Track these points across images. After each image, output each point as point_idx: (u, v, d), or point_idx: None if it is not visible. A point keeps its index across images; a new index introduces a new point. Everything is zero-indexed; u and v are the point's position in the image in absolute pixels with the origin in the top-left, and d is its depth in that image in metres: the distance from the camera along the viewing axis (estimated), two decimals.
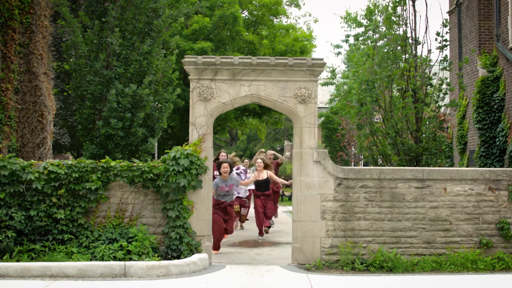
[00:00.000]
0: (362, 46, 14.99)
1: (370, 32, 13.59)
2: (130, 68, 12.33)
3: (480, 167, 13.27)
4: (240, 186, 11.52)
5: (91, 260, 8.06)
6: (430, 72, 11.81)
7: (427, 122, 11.70)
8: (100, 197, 8.53)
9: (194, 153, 8.53)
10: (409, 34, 11.85)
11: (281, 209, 17.29)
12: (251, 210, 13.54)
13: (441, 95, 11.69)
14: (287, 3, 26.38)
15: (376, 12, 14.10)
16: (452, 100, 13.15)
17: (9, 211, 8.21)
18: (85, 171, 8.44)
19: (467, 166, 14.44)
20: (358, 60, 13.38)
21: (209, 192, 8.85)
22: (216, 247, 9.86)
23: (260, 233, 11.84)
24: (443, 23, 11.83)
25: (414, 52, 11.83)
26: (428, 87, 11.79)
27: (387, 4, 12.25)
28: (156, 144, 19.29)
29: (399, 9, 12.04)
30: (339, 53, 22.81)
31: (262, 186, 11.93)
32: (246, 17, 23.36)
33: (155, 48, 12.79)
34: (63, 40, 15.33)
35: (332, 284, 7.62)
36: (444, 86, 11.82)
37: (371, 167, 9.55)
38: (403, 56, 11.85)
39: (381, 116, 12.11)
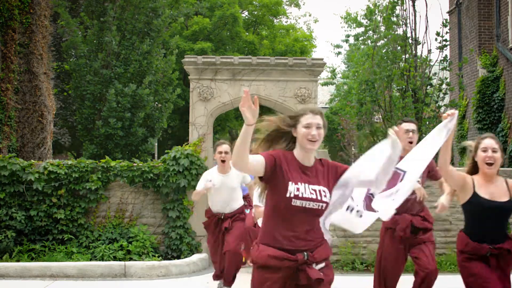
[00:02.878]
0: (362, 46, 14.99)
1: (370, 32, 13.59)
2: (130, 68, 12.34)
3: None
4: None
5: (91, 260, 8.05)
6: (430, 72, 11.80)
7: (427, 122, 11.69)
8: (100, 197, 8.53)
9: (194, 153, 8.53)
10: (409, 34, 11.84)
11: None
12: None
13: (441, 95, 11.68)
14: (287, 3, 26.36)
15: (376, 12, 14.10)
16: (452, 100, 13.14)
17: (9, 211, 8.20)
18: (85, 171, 8.44)
19: None
20: (358, 60, 13.37)
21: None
22: None
23: None
24: (443, 23, 11.81)
25: (414, 52, 11.82)
26: (428, 87, 11.77)
27: (387, 4, 12.25)
28: (156, 144, 19.27)
29: (398, 9, 12.04)
30: (339, 53, 22.75)
31: None
32: (246, 17, 23.33)
33: (154, 48, 12.80)
34: (63, 40, 15.32)
35: (332, 283, 7.57)
36: (444, 86, 11.81)
37: None
38: (403, 56, 11.83)
39: (381, 116, 12.10)
